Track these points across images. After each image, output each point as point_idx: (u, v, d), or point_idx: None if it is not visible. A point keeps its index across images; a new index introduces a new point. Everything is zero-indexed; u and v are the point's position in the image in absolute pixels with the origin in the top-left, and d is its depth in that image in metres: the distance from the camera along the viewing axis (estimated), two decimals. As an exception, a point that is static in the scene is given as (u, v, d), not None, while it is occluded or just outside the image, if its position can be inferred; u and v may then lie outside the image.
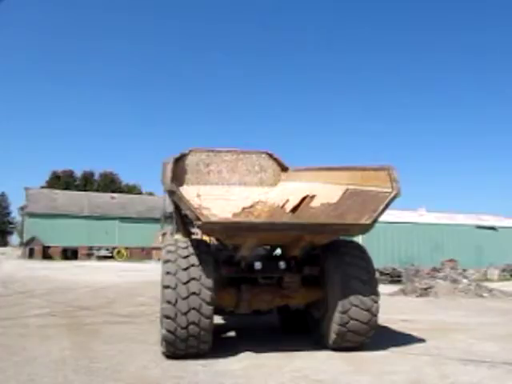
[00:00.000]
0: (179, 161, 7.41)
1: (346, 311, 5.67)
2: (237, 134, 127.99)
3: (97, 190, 70.98)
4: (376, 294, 5.85)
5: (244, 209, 7.84)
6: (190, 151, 8.18)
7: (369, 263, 6.09)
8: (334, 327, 5.76)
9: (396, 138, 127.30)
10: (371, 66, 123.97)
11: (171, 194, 5.83)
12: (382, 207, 5.32)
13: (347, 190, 6.21)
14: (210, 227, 5.44)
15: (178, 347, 5.45)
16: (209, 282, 5.44)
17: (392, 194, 5.36)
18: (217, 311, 6.06)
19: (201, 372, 5.03)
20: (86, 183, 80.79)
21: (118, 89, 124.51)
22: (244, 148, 8.71)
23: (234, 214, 7.60)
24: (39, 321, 8.38)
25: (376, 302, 5.83)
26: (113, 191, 70.01)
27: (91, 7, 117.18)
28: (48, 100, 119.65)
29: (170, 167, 5.69)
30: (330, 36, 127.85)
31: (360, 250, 6.26)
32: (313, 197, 6.90)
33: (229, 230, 5.49)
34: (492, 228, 31.70)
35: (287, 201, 7.49)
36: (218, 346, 6.22)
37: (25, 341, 6.59)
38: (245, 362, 5.51)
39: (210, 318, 5.43)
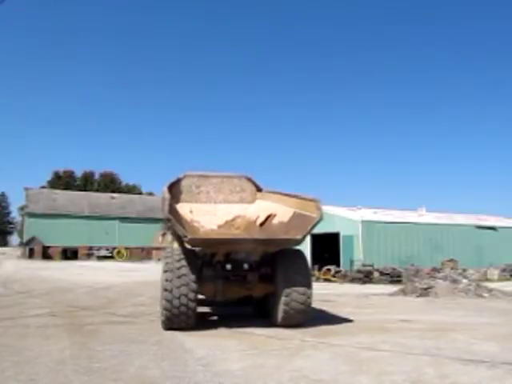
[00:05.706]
0: (176, 184, 9.72)
1: (288, 295, 7.59)
2: (235, 134, 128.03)
3: (97, 190, 71.02)
4: (310, 285, 7.85)
5: (227, 222, 9.71)
6: (185, 176, 10.10)
7: (305, 264, 8.17)
8: (282, 307, 7.64)
9: (396, 138, 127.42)
10: (371, 65, 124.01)
11: (168, 220, 7.84)
12: (309, 227, 7.55)
13: (295, 212, 8.31)
14: (193, 242, 7.47)
15: (173, 322, 7.40)
16: (193, 277, 7.40)
17: (316, 219, 7.53)
18: (203, 303, 8.35)
19: (200, 372, 5.02)
20: (86, 183, 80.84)
21: (118, 89, 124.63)
22: (228, 171, 10.77)
23: (219, 226, 9.52)
24: (39, 321, 8.39)
25: (309, 289, 7.76)
26: (113, 191, 70.07)
27: (91, 6, 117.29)
28: (48, 100, 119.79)
29: (167, 202, 7.47)
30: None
31: (299, 255, 8.19)
32: (275, 215, 8.96)
33: (207, 243, 7.78)
34: (492, 228, 31.72)
35: (258, 216, 9.45)
36: (218, 345, 6.23)
37: (25, 341, 6.59)
38: (244, 361, 5.51)
39: (195, 301, 7.40)
